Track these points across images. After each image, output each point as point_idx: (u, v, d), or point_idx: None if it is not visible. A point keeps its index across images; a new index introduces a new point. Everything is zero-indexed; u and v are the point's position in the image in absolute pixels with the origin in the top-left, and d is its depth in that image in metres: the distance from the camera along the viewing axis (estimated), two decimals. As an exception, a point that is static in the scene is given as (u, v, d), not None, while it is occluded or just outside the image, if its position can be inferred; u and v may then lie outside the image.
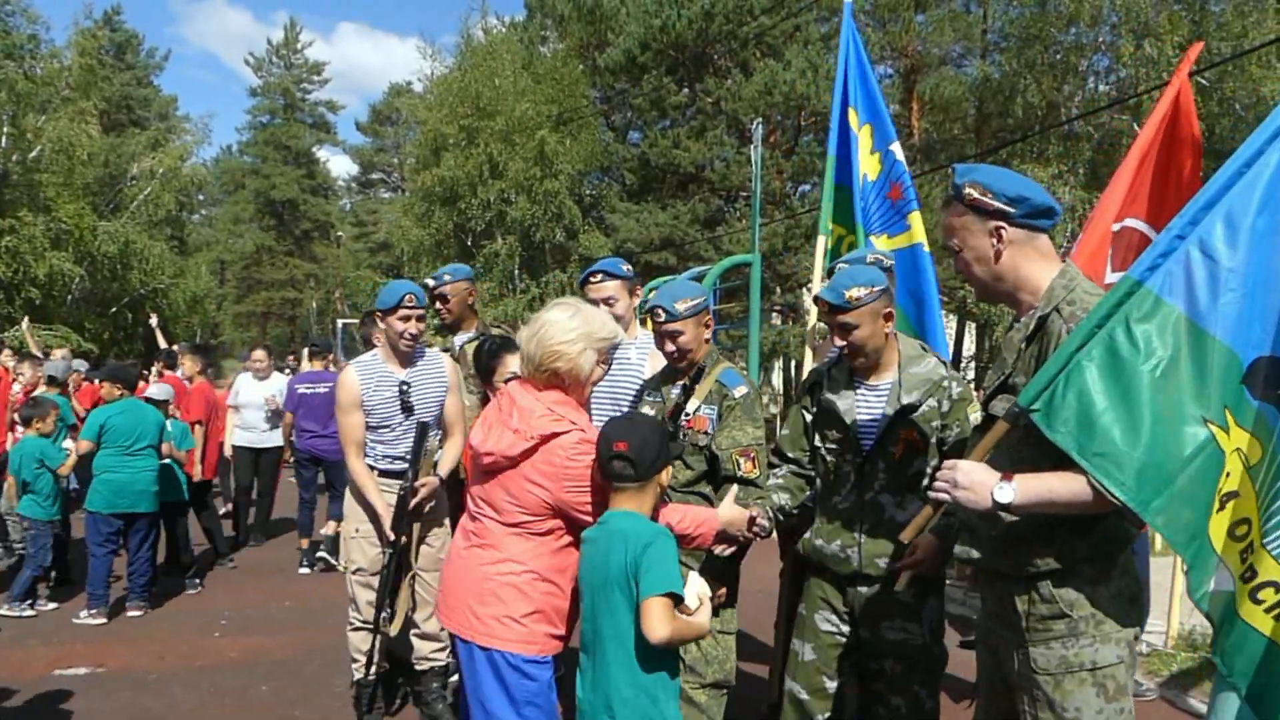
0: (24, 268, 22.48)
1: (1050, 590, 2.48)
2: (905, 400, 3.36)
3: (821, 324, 4.97)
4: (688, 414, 3.71)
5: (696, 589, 2.78)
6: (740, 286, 14.97)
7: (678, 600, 2.68)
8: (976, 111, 25.43)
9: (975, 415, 3.36)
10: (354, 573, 4.82)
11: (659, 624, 2.60)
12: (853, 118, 5.68)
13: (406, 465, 4.65)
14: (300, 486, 9.01)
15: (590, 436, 2.87)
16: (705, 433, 3.68)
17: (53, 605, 7.14)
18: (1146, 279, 2.32)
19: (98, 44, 31.04)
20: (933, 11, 26.17)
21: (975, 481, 2.40)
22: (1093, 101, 21.05)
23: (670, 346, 3.76)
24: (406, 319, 4.65)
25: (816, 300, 3.45)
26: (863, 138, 5.66)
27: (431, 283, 5.43)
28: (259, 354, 9.89)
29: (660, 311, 3.70)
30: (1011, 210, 2.51)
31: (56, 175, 24.45)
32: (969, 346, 25.21)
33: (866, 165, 5.62)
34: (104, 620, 6.76)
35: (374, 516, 4.70)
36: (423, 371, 4.81)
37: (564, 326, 2.90)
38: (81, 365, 12.27)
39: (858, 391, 3.48)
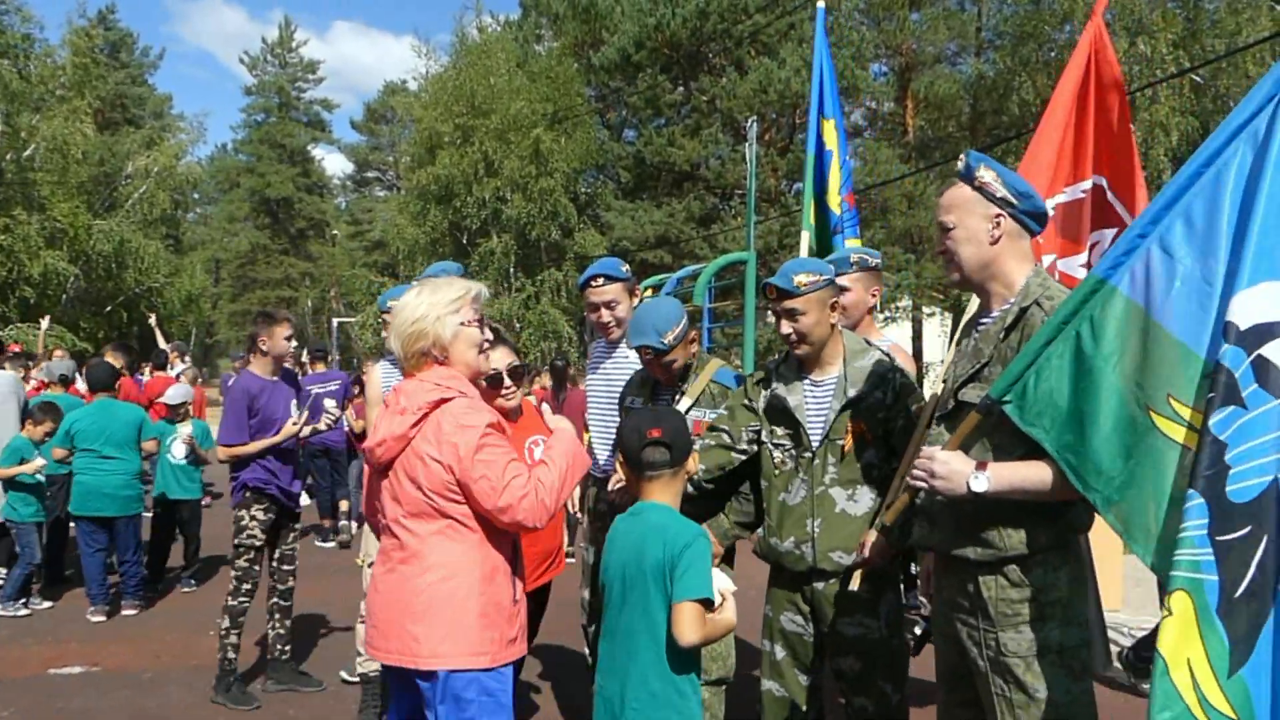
0: (18, 267, 22.47)
1: (1019, 575, 2.56)
2: (852, 393, 3.39)
3: None
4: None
5: (720, 585, 2.74)
6: (735, 284, 14.93)
7: (709, 605, 2.66)
8: (971, 109, 25.50)
9: (916, 406, 3.41)
10: (369, 566, 4.85)
11: (690, 628, 2.60)
12: (829, 130, 5.78)
13: None
14: (316, 476, 10.11)
15: (480, 406, 2.79)
16: None
17: (47, 604, 7.14)
18: (1111, 276, 2.39)
19: (92, 43, 30.95)
20: (927, 10, 26.22)
21: (952, 471, 2.51)
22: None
23: (665, 373, 3.81)
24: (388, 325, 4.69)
25: (765, 287, 3.46)
26: (834, 146, 5.80)
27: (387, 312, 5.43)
28: None
29: (648, 350, 3.71)
30: (1016, 203, 2.63)
31: (51, 174, 24.42)
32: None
33: (835, 174, 5.78)
34: (103, 618, 6.77)
35: None
36: None
37: (412, 306, 2.81)
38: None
39: (805, 385, 3.50)
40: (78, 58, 27.26)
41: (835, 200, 5.74)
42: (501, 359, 3.78)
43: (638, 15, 24.67)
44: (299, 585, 5.57)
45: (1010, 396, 2.46)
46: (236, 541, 5.27)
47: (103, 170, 29.05)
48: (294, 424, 5.36)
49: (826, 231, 5.74)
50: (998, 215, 2.63)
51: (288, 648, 5.49)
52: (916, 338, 26.08)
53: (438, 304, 2.80)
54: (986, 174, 2.65)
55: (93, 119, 27.98)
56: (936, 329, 27.62)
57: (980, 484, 2.46)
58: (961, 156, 2.75)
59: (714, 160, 25.19)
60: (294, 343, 5.47)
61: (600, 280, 4.25)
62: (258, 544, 5.27)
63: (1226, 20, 18.50)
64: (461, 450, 2.65)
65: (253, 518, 5.26)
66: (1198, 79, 18.73)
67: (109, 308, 27.48)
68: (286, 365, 5.61)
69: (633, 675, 2.69)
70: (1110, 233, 4.48)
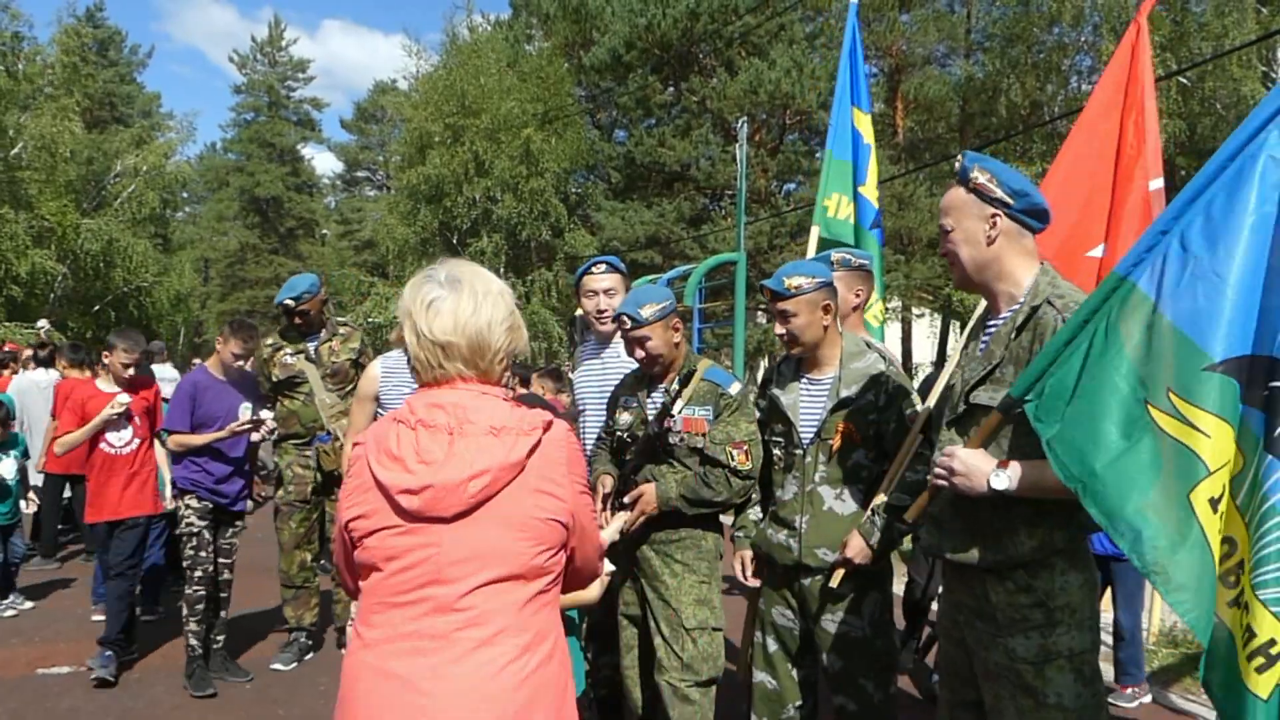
0: (6, 265, 22.35)
1: (1026, 580, 2.54)
2: (844, 393, 3.46)
3: None
4: (673, 415, 3.76)
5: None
6: (725, 285, 14.97)
7: None
8: (960, 111, 25.58)
9: (911, 410, 3.47)
10: None
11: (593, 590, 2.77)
12: (866, 122, 5.74)
13: None
14: None
15: None
16: (703, 434, 3.74)
17: (31, 604, 7.12)
18: (1131, 273, 2.36)
19: (80, 41, 30.83)
20: (917, 11, 26.29)
21: (972, 468, 2.48)
22: (1075, 101, 21.16)
23: (640, 352, 3.84)
24: None
25: (761, 289, 3.55)
26: (868, 133, 5.75)
27: (291, 303, 5.71)
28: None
29: (626, 319, 3.78)
30: (1011, 202, 2.60)
31: (39, 172, 24.28)
32: (953, 345, 25.33)
33: (874, 167, 5.74)
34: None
35: None
36: None
37: (503, 297, 2.07)
38: None
39: (801, 385, 3.58)
40: (66, 56, 27.16)
41: (874, 193, 5.70)
42: None
43: (628, 15, 24.69)
44: (276, 590, 5.82)
45: (1031, 396, 2.42)
46: (178, 531, 5.53)
47: (91, 169, 28.88)
48: (237, 425, 5.51)
49: (858, 226, 5.66)
50: (993, 215, 2.61)
51: (221, 637, 5.68)
52: (906, 339, 26.15)
53: (508, 300, 2.10)
54: (981, 175, 2.62)
55: (81, 117, 27.87)
56: (925, 330, 27.71)
57: (1001, 481, 2.43)
58: (959, 157, 2.73)
59: (704, 161, 25.22)
60: (241, 362, 5.67)
61: (603, 266, 4.38)
62: (195, 529, 5.43)
63: (1213, 23, 18.58)
64: (579, 482, 2.07)
65: (188, 506, 5.45)
66: (1185, 81, 18.82)
67: (97, 307, 27.36)
68: (247, 369, 5.82)
69: None
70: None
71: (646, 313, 3.73)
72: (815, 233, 5.62)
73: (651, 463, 3.84)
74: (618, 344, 4.37)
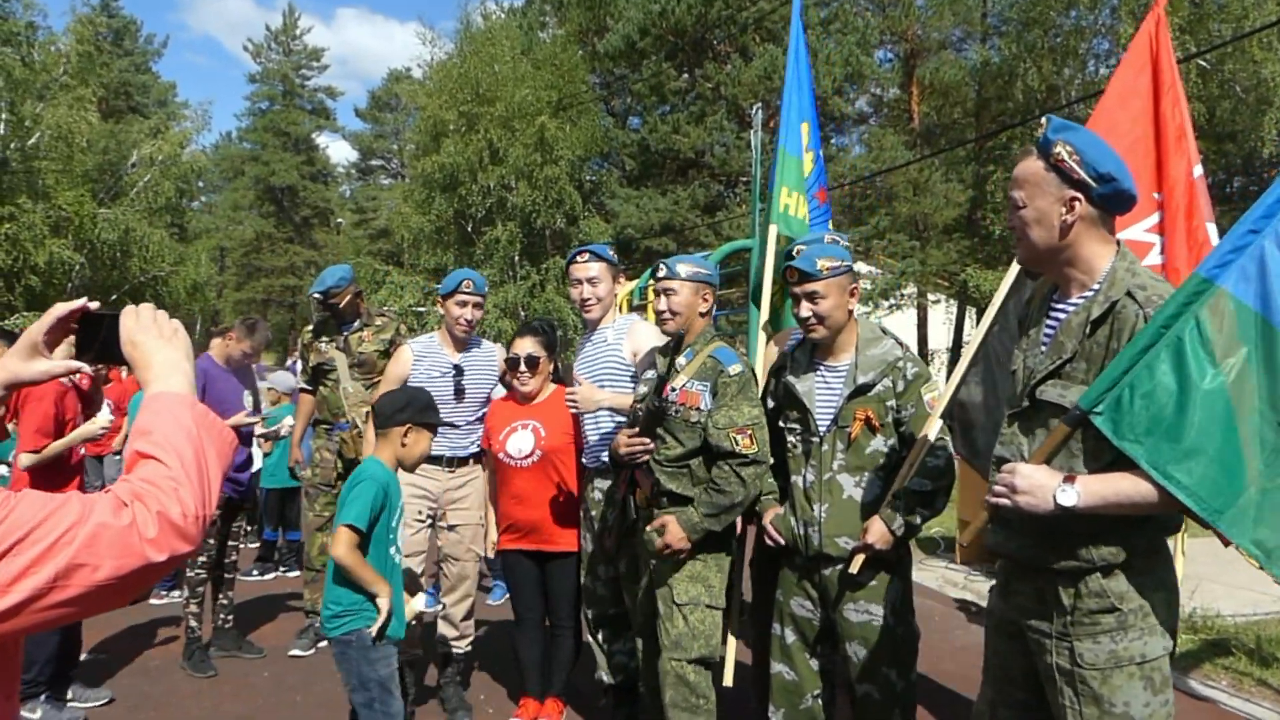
0: (24, 255, 22.44)
1: (1100, 583, 2.39)
2: (861, 380, 3.43)
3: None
4: (674, 388, 3.74)
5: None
6: (740, 272, 14.91)
7: (360, 535, 3.34)
8: (976, 95, 25.39)
9: (930, 396, 3.45)
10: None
11: (338, 548, 3.31)
12: (805, 132, 5.64)
13: (448, 451, 4.76)
14: None
15: None
16: (698, 409, 3.70)
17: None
18: (1218, 276, 2.19)
19: (95, 30, 30.89)
20: (933, -5, 26.09)
21: (1036, 485, 2.29)
22: (1092, 85, 20.99)
23: (662, 304, 3.86)
24: (464, 304, 4.79)
25: (788, 270, 3.51)
26: (803, 132, 5.58)
27: (319, 297, 5.84)
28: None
29: (663, 267, 3.86)
30: (1095, 186, 2.33)
31: (55, 162, 24.37)
32: (969, 332, 25.22)
33: (806, 161, 5.58)
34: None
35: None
36: (476, 359, 4.92)
37: None
38: None
39: (817, 372, 3.56)
40: (81, 45, 27.19)
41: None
42: (524, 348, 4.46)
43: (642, 2, 24.61)
44: (296, 578, 5.84)
45: (1103, 408, 2.23)
46: None
47: (107, 159, 28.93)
48: (247, 415, 5.74)
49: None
50: (1073, 199, 2.34)
51: (230, 617, 5.94)
52: (921, 325, 26.03)
53: None
54: (1064, 150, 2.32)
55: (96, 107, 27.91)
56: (941, 316, 27.59)
57: (1068, 498, 2.23)
58: (1043, 121, 2.42)
59: (718, 147, 25.13)
60: (248, 359, 6.00)
61: (586, 255, 4.42)
62: None
63: (1233, 4, 18.38)
64: None
65: None
66: (1204, 64, 18.65)
67: (114, 296, 27.45)
68: (247, 361, 6.07)
69: (329, 587, 3.44)
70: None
71: (682, 270, 3.82)
72: (774, 231, 5.25)
73: (652, 438, 3.78)
74: (604, 329, 4.40)
